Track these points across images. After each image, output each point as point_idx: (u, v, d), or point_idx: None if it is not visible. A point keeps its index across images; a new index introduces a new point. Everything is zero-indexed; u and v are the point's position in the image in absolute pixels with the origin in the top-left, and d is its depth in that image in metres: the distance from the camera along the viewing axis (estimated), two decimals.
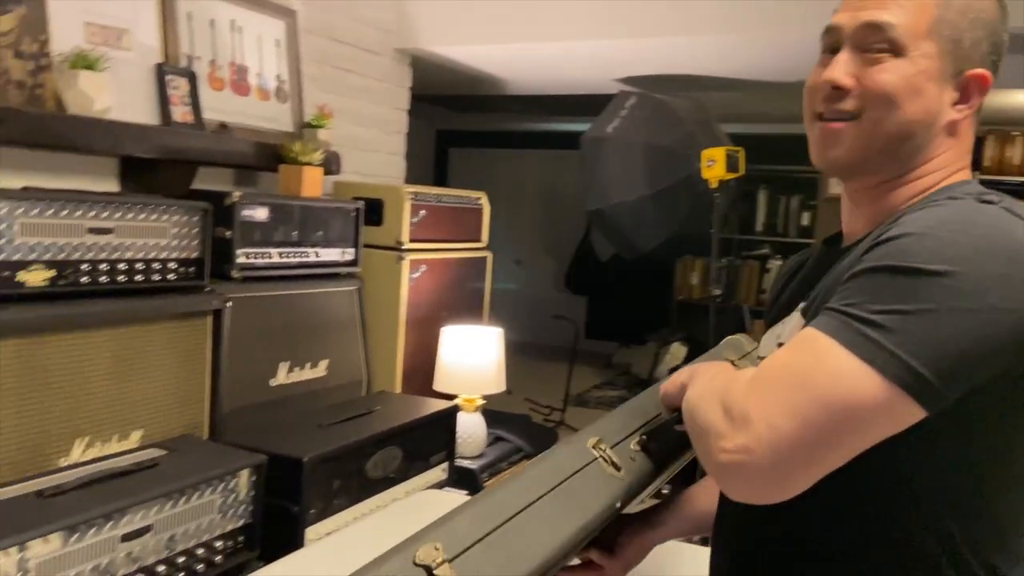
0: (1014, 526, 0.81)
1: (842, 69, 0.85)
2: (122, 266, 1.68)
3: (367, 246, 2.50)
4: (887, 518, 0.80)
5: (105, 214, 1.65)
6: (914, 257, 0.72)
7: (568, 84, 4.26)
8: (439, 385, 2.61)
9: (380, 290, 2.56)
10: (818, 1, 1.15)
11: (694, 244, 4.44)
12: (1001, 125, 4.59)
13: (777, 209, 5.92)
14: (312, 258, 2.26)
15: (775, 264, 5.57)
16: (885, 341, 0.69)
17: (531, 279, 7.18)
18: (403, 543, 0.72)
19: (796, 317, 0.90)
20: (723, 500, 0.99)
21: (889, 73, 0.82)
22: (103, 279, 1.64)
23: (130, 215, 1.70)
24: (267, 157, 2.32)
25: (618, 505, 0.90)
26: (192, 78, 2.18)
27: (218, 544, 1.53)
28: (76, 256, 1.60)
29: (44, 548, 1.23)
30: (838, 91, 0.85)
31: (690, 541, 1.55)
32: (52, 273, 1.56)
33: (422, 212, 2.67)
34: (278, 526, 1.67)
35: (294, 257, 2.20)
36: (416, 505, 1.80)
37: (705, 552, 1.34)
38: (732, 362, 1.08)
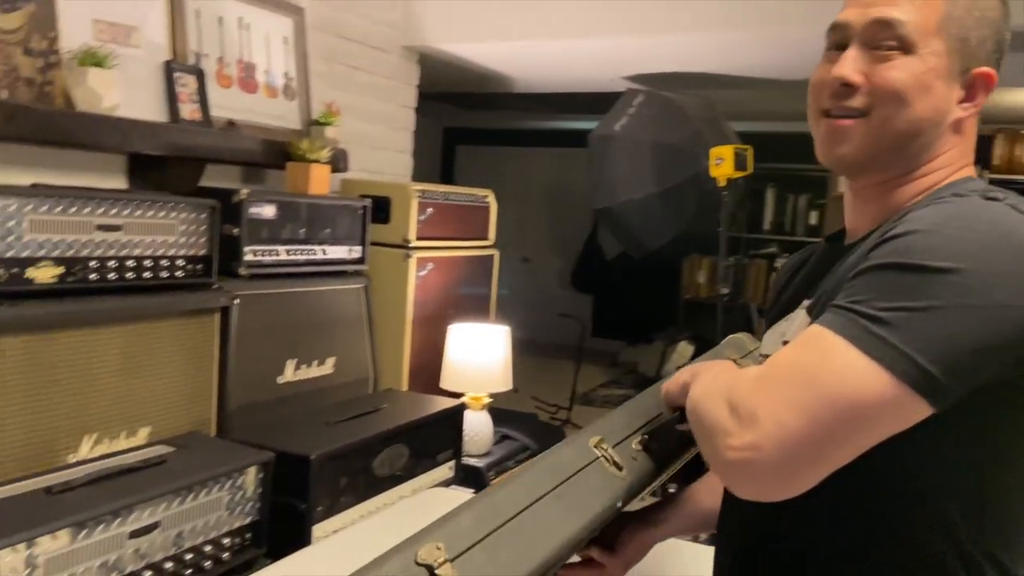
0: (1021, 522, 0.80)
1: (851, 66, 0.84)
2: (130, 263, 1.69)
3: (374, 244, 2.49)
4: (893, 515, 0.80)
5: (114, 211, 1.65)
6: (921, 254, 0.72)
7: (575, 82, 4.25)
8: (446, 383, 2.61)
9: (387, 288, 2.56)
10: None
11: (701, 243, 4.43)
12: (1011, 124, 4.56)
13: (785, 208, 5.90)
14: (319, 256, 2.26)
15: (782, 263, 5.55)
16: (892, 338, 0.69)
17: (537, 277, 7.17)
18: (405, 542, 0.73)
19: (801, 315, 0.89)
20: (727, 498, 0.99)
21: (899, 70, 0.82)
22: (111, 276, 1.65)
23: (138, 212, 1.70)
24: (275, 154, 2.32)
25: (619, 505, 0.90)
26: (200, 75, 2.18)
27: (225, 541, 1.53)
28: (85, 253, 1.60)
29: (53, 544, 1.23)
30: (847, 88, 0.84)
31: (696, 540, 1.54)
32: (61, 270, 1.56)
33: (429, 210, 2.67)
34: (285, 523, 1.67)
35: (301, 255, 2.20)
36: (423, 503, 1.80)
37: (705, 550, 1.34)
38: (734, 361, 1.08)
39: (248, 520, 1.59)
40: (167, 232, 1.77)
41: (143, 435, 1.71)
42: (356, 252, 2.39)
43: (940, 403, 0.70)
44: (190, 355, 1.83)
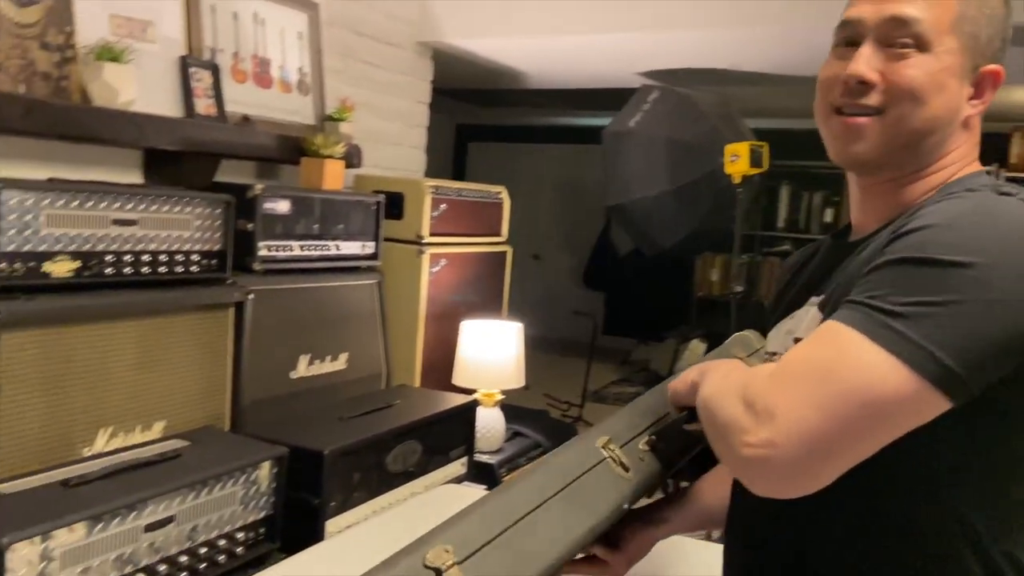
0: None
1: (867, 63, 0.83)
2: (146, 258, 1.69)
3: (387, 240, 2.49)
4: (907, 511, 0.79)
5: (129, 206, 1.66)
6: (938, 248, 0.72)
7: (589, 78, 4.23)
8: (458, 379, 2.61)
9: (400, 284, 2.56)
10: None
11: (714, 240, 4.41)
12: None
13: (800, 205, 5.86)
14: (333, 251, 2.27)
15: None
16: (911, 333, 0.69)
17: (549, 274, 7.16)
18: (413, 544, 0.73)
19: (812, 312, 0.89)
20: (736, 495, 0.98)
21: (915, 68, 0.82)
22: (127, 271, 1.65)
23: (154, 207, 1.71)
24: (289, 150, 2.32)
25: (626, 506, 0.90)
26: (215, 71, 2.18)
27: (239, 535, 1.54)
28: (101, 247, 1.61)
29: (69, 537, 1.23)
30: (862, 86, 0.84)
31: (709, 538, 1.54)
32: (77, 264, 1.57)
33: (442, 206, 2.67)
34: (298, 518, 1.68)
35: (315, 250, 2.21)
36: (435, 500, 1.79)
37: (708, 547, 1.33)
38: (741, 359, 1.07)
39: (262, 515, 1.59)
40: (182, 227, 1.77)
41: (158, 429, 1.72)
42: (369, 248, 2.39)
43: (958, 398, 0.70)
44: (204, 350, 1.83)
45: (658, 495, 1.11)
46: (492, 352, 2.58)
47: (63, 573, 1.23)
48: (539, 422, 2.96)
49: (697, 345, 4.98)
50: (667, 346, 5.67)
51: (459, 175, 7.41)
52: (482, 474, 2.37)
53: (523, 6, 3.12)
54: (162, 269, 1.72)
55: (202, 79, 2.15)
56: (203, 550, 1.46)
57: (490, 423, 2.54)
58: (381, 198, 2.43)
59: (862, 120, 0.85)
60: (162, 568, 1.38)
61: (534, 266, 7.04)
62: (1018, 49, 0.93)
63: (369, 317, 2.37)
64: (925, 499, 0.79)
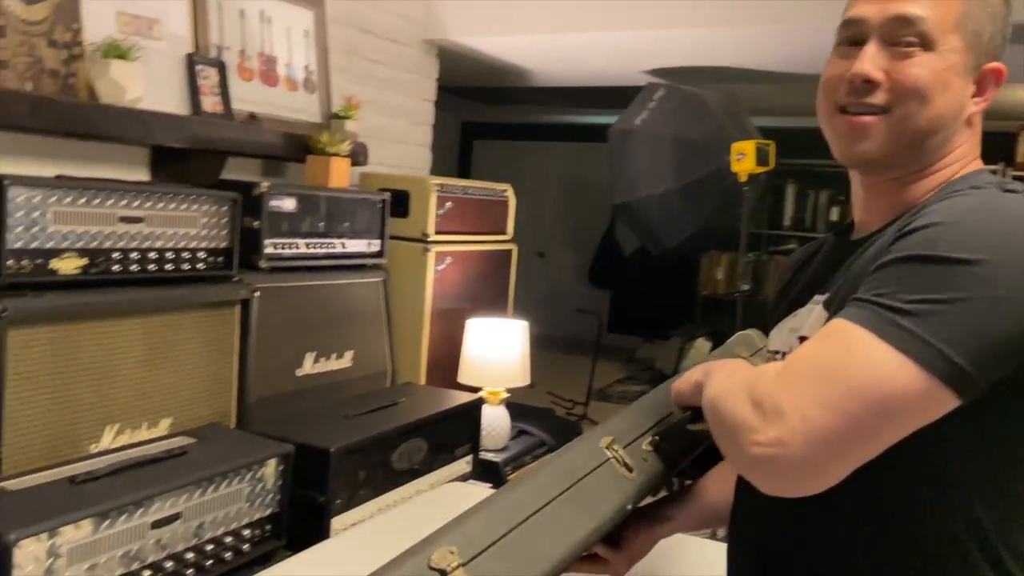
0: None
1: (872, 62, 0.84)
2: (152, 255, 1.69)
3: (393, 238, 2.50)
4: (914, 507, 0.79)
5: (136, 203, 1.66)
6: (945, 246, 0.72)
7: (595, 76, 4.22)
8: (463, 377, 2.61)
9: (405, 282, 2.56)
10: None
11: (720, 239, 4.40)
12: None
13: (806, 204, 5.85)
14: (338, 249, 2.27)
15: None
16: (920, 330, 0.69)
17: (554, 272, 7.16)
18: (418, 545, 0.73)
19: (817, 310, 0.89)
20: (740, 492, 0.98)
21: (921, 67, 0.82)
22: (134, 268, 1.66)
23: (161, 204, 1.71)
24: (295, 148, 2.33)
25: (629, 507, 0.90)
26: (222, 68, 2.19)
27: (246, 532, 1.54)
28: (108, 244, 1.61)
29: (76, 534, 1.24)
30: (868, 84, 0.84)
31: (714, 537, 1.53)
32: (84, 261, 1.57)
33: (448, 204, 2.67)
34: (304, 516, 1.68)
35: (321, 248, 2.21)
36: (440, 497, 1.79)
37: (710, 545, 1.33)
38: (745, 359, 1.07)
39: (268, 512, 1.60)
40: (189, 224, 1.77)
41: (164, 426, 1.72)
42: (375, 246, 2.39)
43: (968, 395, 0.70)
44: (211, 347, 1.84)
45: (661, 493, 1.10)
46: (497, 350, 2.58)
47: (70, 570, 1.23)
48: (544, 420, 2.96)
49: (702, 344, 4.97)
50: (672, 344, 5.66)
51: (464, 173, 7.41)
52: (487, 472, 2.37)
53: (528, 4, 3.11)
54: (169, 266, 1.73)
55: (209, 77, 2.15)
56: (209, 547, 1.46)
57: (495, 421, 2.54)
58: (387, 196, 2.43)
59: (867, 119, 0.85)
60: (168, 565, 1.38)
61: (539, 264, 7.03)
62: (1022, 47, 0.93)
63: (374, 315, 2.37)
64: (932, 497, 0.79)
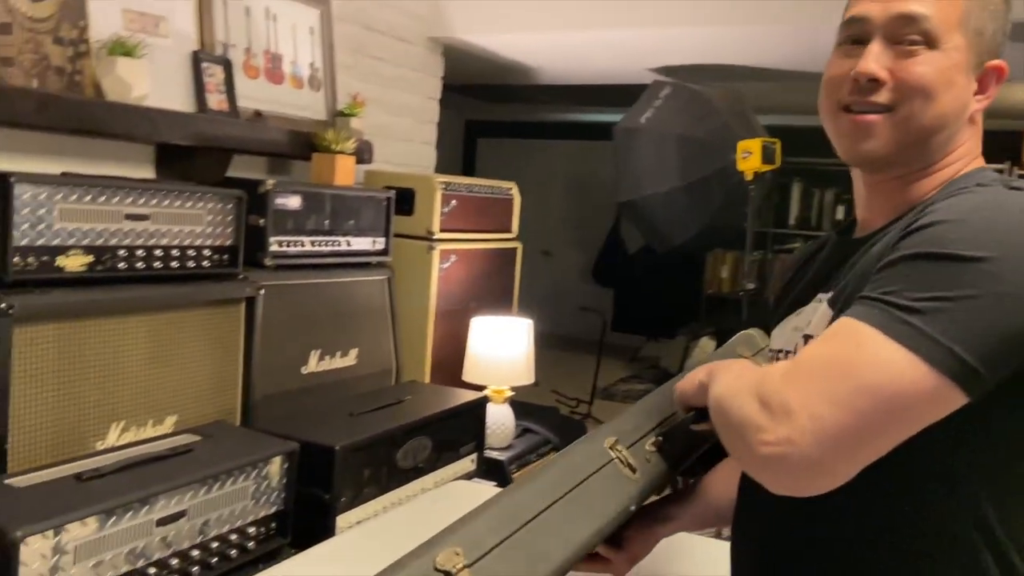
0: None
1: (877, 61, 0.84)
2: (158, 252, 1.69)
3: (398, 235, 2.49)
4: (922, 502, 0.79)
5: (142, 200, 1.66)
6: (953, 244, 0.72)
7: (600, 74, 4.21)
8: (468, 376, 2.61)
9: (410, 280, 2.55)
10: None
11: (725, 237, 4.39)
12: None
13: (811, 202, 5.84)
14: (343, 247, 2.27)
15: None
16: (928, 328, 0.69)
17: (559, 271, 7.15)
18: (422, 546, 0.73)
19: (822, 308, 0.88)
20: (744, 491, 0.98)
21: (925, 66, 0.82)
22: (139, 265, 1.66)
23: (166, 202, 1.71)
24: (300, 145, 2.32)
25: (632, 508, 0.90)
26: (227, 66, 2.19)
27: (251, 530, 1.54)
28: (114, 242, 1.61)
29: (82, 531, 1.24)
30: (872, 83, 0.84)
31: (719, 536, 1.53)
32: (90, 259, 1.57)
33: (453, 202, 2.67)
34: (309, 514, 1.68)
35: (326, 246, 2.21)
36: (445, 496, 1.79)
37: (714, 544, 1.32)
38: (747, 358, 1.07)
39: (273, 510, 1.60)
40: (194, 222, 1.77)
41: (169, 423, 1.73)
42: (380, 244, 2.39)
43: (976, 392, 0.70)
44: (216, 344, 1.84)
45: (664, 492, 1.10)
46: (502, 348, 2.58)
47: (76, 567, 1.23)
48: (549, 419, 2.96)
49: (707, 343, 4.97)
50: (677, 343, 5.65)
51: (468, 171, 7.41)
52: (492, 471, 2.37)
53: (533, 2, 3.10)
54: (174, 264, 1.73)
55: (214, 74, 2.15)
56: (214, 545, 1.46)
57: (500, 419, 2.54)
58: (392, 194, 2.42)
59: (872, 117, 0.85)
60: (174, 562, 1.38)
61: (543, 262, 7.03)
62: None
63: (379, 313, 2.37)
64: (940, 494, 0.79)
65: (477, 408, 2.24)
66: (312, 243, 2.16)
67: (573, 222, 7.26)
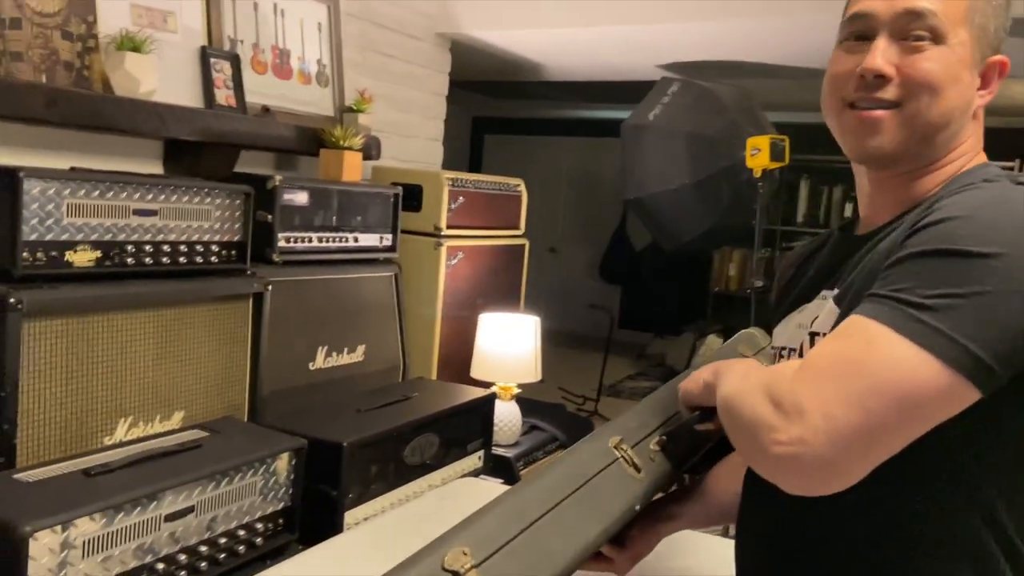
0: None
1: (883, 57, 0.83)
2: (166, 248, 1.69)
3: (405, 232, 2.49)
4: (932, 499, 0.79)
5: (150, 196, 1.66)
6: (962, 240, 0.72)
7: (607, 70, 4.20)
8: (476, 372, 2.60)
9: (417, 276, 2.55)
10: None
11: (733, 235, 4.37)
12: None
13: (819, 200, 5.81)
14: (351, 243, 2.26)
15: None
16: (940, 325, 0.69)
17: (565, 268, 7.15)
18: (430, 546, 0.74)
19: (827, 305, 0.88)
20: (749, 489, 0.97)
21: (932, 61, 0.82)
22: (147, 261, 1.66)
23: (174, 197, 1.71)
24: (308, 141, 2.32)
25: (637, 507, 0.91)
26: (235, 61, 2.18)
27: (258, 526, 1.54)
28: (122, 237, 1.61)
29: (90, 526, 1.24)
30: (879, 79, 0.83)
31: (725, 534, 1.52)
32: (98, 254, 1.57)
33: (460, 198, 2.66)
34: (317, 510, 1.68)
35: (333, 242, 2.20)
36: (452, 492, 1.79)
37: (719, 542, 1.32)
38: (749, 358, 1.07)
39: (281, 506, 1.60)
40: (202, 218, 1.77)
41: (177, 419, 1.73)
42: (387, 240, 2.39)
43: (988, 388, 0.70)
44: (223, 340, 1.84)
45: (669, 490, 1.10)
46: (510, 345, 2.57)
47: (84, 562, 1.23)
48: (556, 416, 2.96)
49: (714, 340, 4.96)
50: (683, 340, 5.64)
51: (475, 168, 7.40)
52: (499, 467, 2.36)
53: None
54: (182, 259, 1.73)
55: (222, 70, 2.15)
56: (222, 540, 1.46)
57: (507, 416, 2.54)
58: (399, 190, 2.42)
59: (878, 113, 0.85)
60: (182, 558, 1.38)
61: (550, 259, 7.02)
62: None
63: (387, 309, 2.37)
64: (951, 491, 0.79)
65: (485, 405, 2.23)
66: (320, 239, 2.16)
67: (580, 219, 7.24)
